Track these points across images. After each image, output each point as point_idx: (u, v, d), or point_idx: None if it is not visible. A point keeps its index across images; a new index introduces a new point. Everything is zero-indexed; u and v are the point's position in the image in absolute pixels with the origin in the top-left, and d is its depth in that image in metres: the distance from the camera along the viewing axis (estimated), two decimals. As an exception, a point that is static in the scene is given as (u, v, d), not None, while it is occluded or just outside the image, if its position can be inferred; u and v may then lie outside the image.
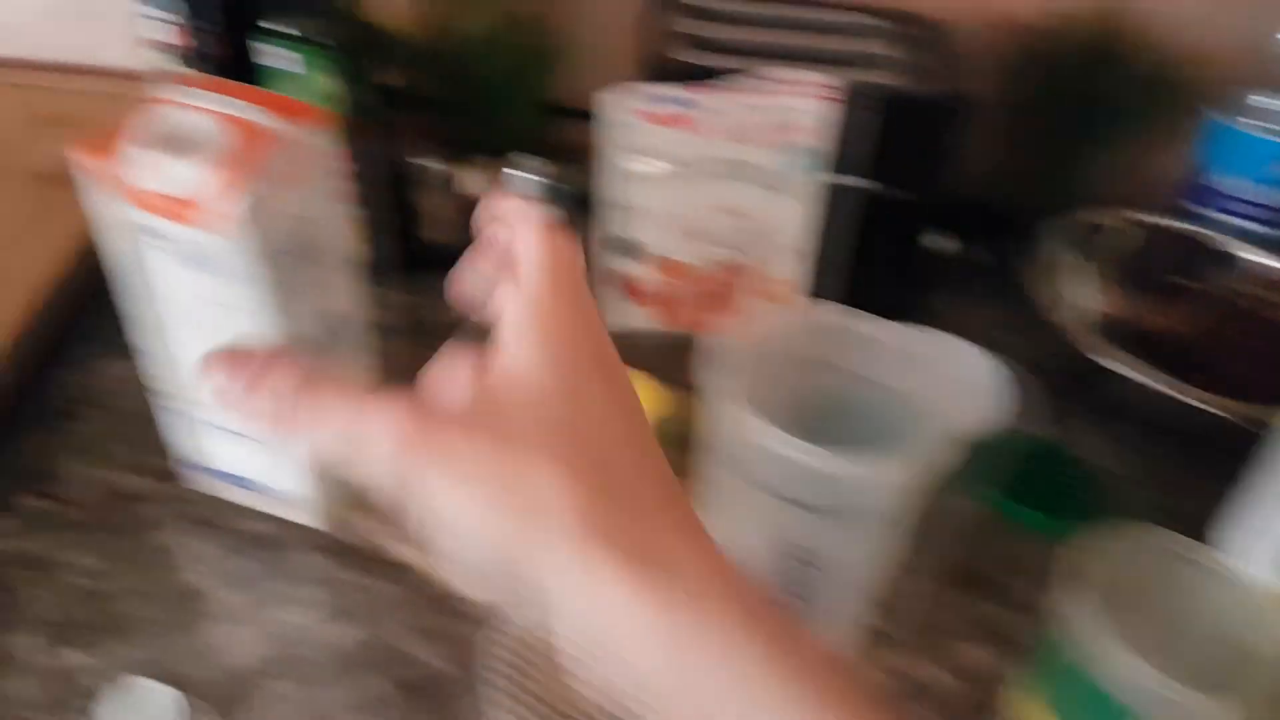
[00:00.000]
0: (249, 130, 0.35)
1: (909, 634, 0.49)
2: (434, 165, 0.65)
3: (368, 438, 0.25)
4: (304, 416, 0.26)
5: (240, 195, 0.33)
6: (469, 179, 0.64)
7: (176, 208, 0.34)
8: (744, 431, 0.38)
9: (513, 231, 0.28)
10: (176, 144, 0.34)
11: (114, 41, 0.81)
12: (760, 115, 0.55)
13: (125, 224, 0.36)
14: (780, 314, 0.44)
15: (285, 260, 0.36)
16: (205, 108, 0.36)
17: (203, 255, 0.35)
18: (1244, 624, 0.34)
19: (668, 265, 0.61)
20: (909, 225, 0.63)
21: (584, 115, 0.58)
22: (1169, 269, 0.67)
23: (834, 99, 0.55)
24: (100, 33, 0.80)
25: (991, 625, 0.51)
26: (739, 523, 0.42)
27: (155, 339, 0.43)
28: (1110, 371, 0.59)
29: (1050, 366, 0.65)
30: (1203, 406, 0.56)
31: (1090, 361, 0.60)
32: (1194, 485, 0.58)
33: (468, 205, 0.64)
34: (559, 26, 0.69)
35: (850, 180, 0.59)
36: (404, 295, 0.64)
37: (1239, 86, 0.67)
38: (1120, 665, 0.32)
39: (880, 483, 0.38)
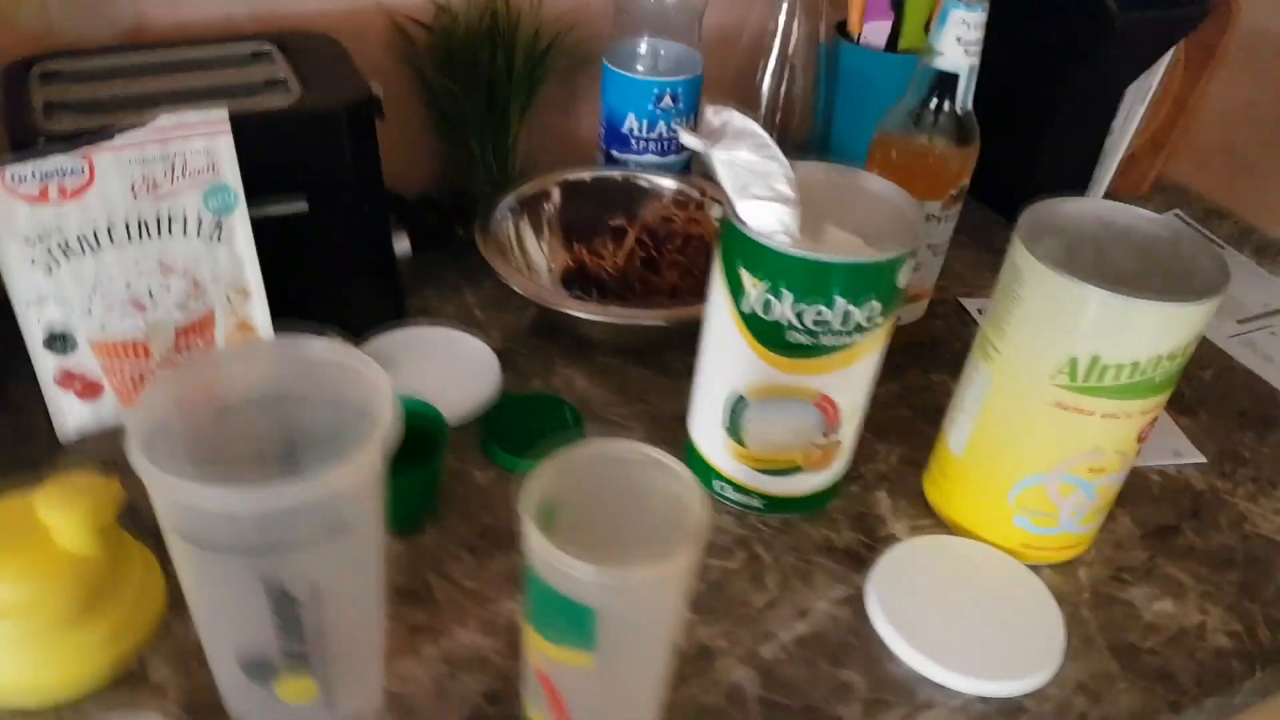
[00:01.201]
0: None
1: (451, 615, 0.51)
2: None
3: None
4: None
5: None
6: None
7: None
8: (165, 494, 0.36)
9: None
10: None
11: None
12: (156, 166, 0.52)
13: None
14: (209, 358, 0.42)
15: None
16: None
17: None
18: (679, 507, 0.39)
19: (113, 347, 0.56)
20: (366, 237, 0.64)
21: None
22: (603, 212, 0.75)
23: (225, 132, 0.54)
24: None
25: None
26: (214, 591, 0.40)
27: None
28: (573, 316, 0.65)
29: (526, 327, 0.71)
30: (652, 323, 0.64)
31: (555, 312, 0.65)
32: (668, 390, 0.67)
33: None
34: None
35: (275, 208, 0.58)
36: None
37: (619, 37, 0.76)
38: (571, 569, 0.35)
39: (321, 498, 0.36)
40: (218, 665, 0.43)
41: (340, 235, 0.62)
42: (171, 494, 0.35)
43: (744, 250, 0.50)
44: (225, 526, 0.36)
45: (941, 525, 0.59)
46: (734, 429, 0.56)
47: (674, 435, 0.62)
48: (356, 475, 0.37)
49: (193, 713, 0.45)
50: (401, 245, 0.66)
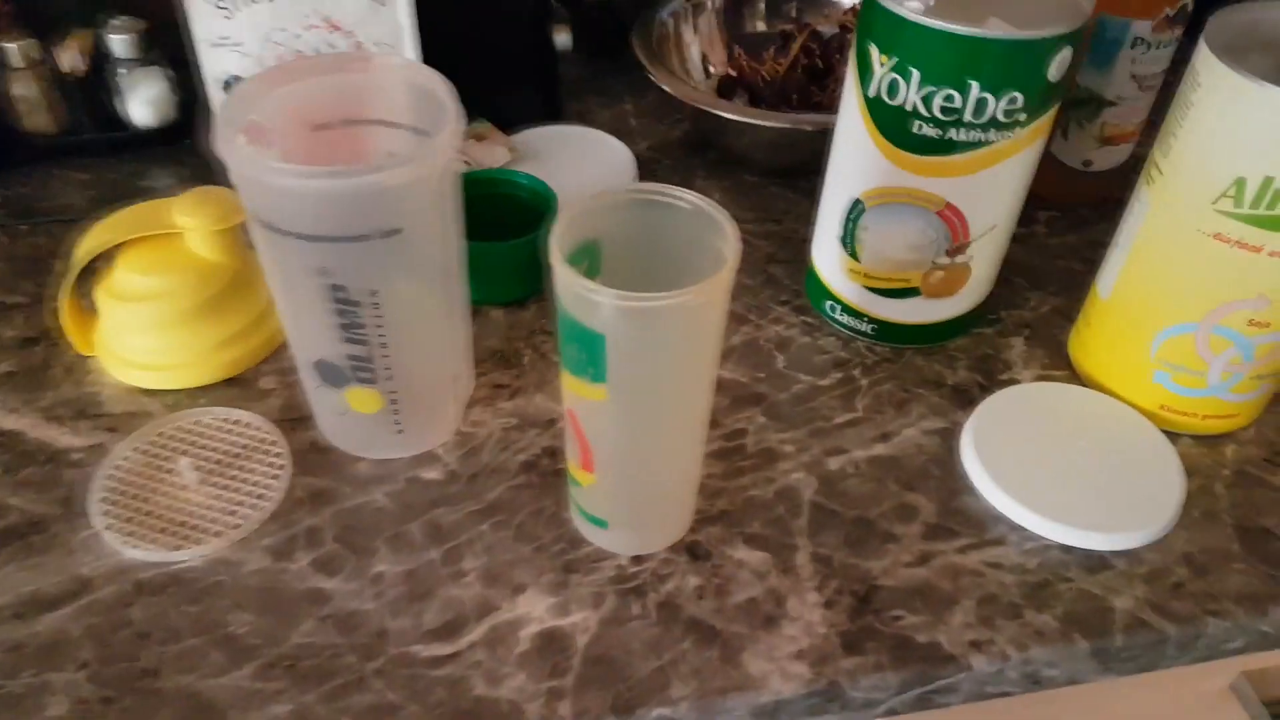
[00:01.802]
0: None
1: (532, 381, 0.53)
2: (19, 44, 0.62)
3: None
4: None
5: None
6: (64, 54, 0.61)
7: None
8: (240, 167, 0.38)
9: None
10: None
11: None
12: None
13: None
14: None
15: None
16: None
17: None
18: (702, 243, 0.38)
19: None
20: (523, 24, 0.65)
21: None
22: (763, 19, 0.71)
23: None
24: None
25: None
26: (288, 286, 0.43)
27: None
28: (720, 124, 0.62)
29: (676, 139, 0.70)
30: (787, 126, 0.61)
31: (706, 125, 0.63)
32: (807, 215, 0.64)
33: (66, 84, 0.62)
34: None
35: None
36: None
37: None
38: (578, 287, 0.34)
39: (375, 189, 0.38)
40: (303, 371, 0.47)
41: (497, 19, 0.63)
42: (245, 168, 0.38)
43: (872, 21, 0.46)
44: (292, 208, 0.39)
45: (1077, 381, 0.53)
46: (848, 239, 0.52)
47: (801, 258, 0.59)
48: (409, 176, 0.38)
49: (286, 418, 0.50)
50: (562, 40, 0.67)
